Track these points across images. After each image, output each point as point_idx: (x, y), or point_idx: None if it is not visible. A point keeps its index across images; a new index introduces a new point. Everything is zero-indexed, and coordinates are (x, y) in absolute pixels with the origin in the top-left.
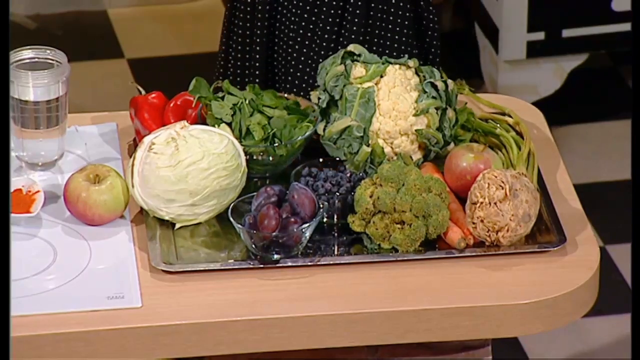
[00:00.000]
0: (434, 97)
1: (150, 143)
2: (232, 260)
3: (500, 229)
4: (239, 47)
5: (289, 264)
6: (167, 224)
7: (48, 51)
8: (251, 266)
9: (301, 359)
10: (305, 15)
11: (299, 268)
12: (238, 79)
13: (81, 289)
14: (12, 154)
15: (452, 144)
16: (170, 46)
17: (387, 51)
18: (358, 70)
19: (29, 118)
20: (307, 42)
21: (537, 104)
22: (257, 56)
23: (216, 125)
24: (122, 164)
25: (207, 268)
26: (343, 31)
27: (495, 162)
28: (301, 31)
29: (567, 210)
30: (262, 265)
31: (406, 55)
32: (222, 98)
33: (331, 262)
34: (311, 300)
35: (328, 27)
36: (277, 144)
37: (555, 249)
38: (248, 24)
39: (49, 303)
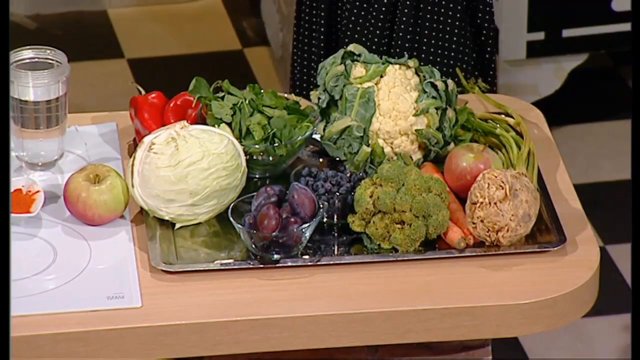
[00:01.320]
0: (434, 97)
1: (150, 143)
2: (232, 260)
3: (500, 229)
4: (300, 52)
5: (289, 264)
6: (167, 224)
7: (48, 51)
8: (251, 266)
9: (301, 359)
10: (362, 12)
11: (299, 268)
12: (305, 77)
13: (81, 289)
14: (12, 154)
15: (452, 144)
16: (170, 46)
17: (439, 44)
18: (358, 70)
19: (29, 118)
20: (362, 39)
21: (537, 104)
22: (320, 52)
23: (216, 125)
24: (122, 164)
25: (207, 268)
26: (393, 34)
27: (495, 162)
28: (355, 27)
29: (567, 210)
30: (262, 265)
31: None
32: (222, 98)
33: (331, 262)
34: (311, 300)
35: (381, 21)
36: (277, 144)
37: (555, 249)
38: (308, 25)
39: (49, 303)
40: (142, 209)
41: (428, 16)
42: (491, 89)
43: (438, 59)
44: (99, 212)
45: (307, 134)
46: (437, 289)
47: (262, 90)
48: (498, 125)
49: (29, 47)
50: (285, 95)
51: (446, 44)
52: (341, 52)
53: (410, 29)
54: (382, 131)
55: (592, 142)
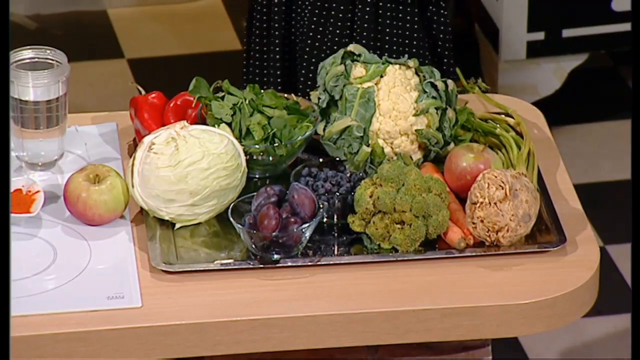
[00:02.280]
0: (434, 97)
1: (150, 143)
2: (232, 260)
3: (500, 229)
4: (257, 47)
5: (289, 264)
6: (167, 224)
7: (48, 51)
8: (251, 266)
9: (301, 359)
10: (316, 15)
11: (299, 268)
12: (257, 78)
13: (81, 289)
14: (12, 154)
15: (452, 144)
16: (170, 46)
17: (399, 48)
18: (358, 70)
19: (29, 118)
20: (317, 44)
21: (537, 104)
22: (276, 56)
23: (216, 125)
24: (122, 164)
25: (207, 268)
26: (354, 34)
27: (495, 162)
28: (311, 33)
29: (567, 210)
30: (262, 265)
31: (406, 55)
32: (222, 98)
33: (331, 262)
34: (311, 300)
35: (339, 28)
36: (277, 144)
37: (555, 249)
38: (265, 25)
39: (49, 303)
40: (142, 209)
41: (388, 14)
42: (486, 87)
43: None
44: (99, 212)
45: (307, 134)
46: (437, 289)
47: (262, 90)
48: (498, 125)
49: (29, 47)
50: (285, 95)
51: (406, 41)
52: (341, 52)
53: (371, 33)
54: (382, 131)
55: (592, 142)
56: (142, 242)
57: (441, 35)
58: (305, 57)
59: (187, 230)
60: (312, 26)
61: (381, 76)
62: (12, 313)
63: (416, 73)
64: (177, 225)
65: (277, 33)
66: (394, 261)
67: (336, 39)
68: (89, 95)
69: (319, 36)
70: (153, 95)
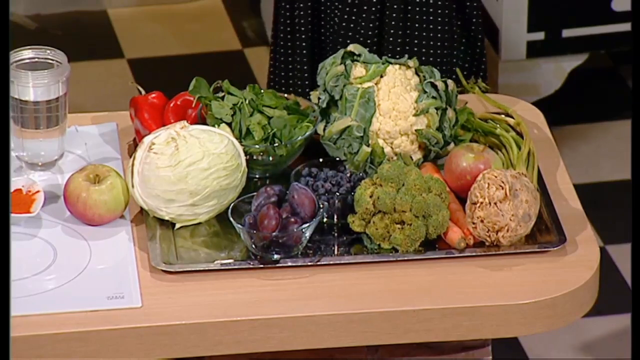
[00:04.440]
0: (434, 97)
1: (150, 143)
2: (232, 260)
3: (500, 229)
4: (282, 50)
5: (289, 264)
6: (167, 224)
7: (48, 51)
8: (251, 266)
9: (301, 359)
10: (346, 15)
11: (299, 268)
12: (283, 81)
13: (81, 289)
14: (12, 154)
15: (452, 144)
16: (170, 46)
17: (430, 43)
18: (358, 70)
19: (29, 118)
20: (348, 42)
21: (537, 104)
22: (303, 59)
23: (216, 125)
24: (122, 164)
25: (207, 268)
26: (383, 32)
27: (495, 162)
28: (342, 31)
29: (567, 210)
30: (262, 265)
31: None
32: (222, 98)
33: (331, 262)
34: (311, 300)
35: (368, 27)
36: (277, 144)
37: (555, 249)
38: (289, 28)
39: (49, 303)
40: (142, 209)
41: (417, 17)
42: (486, 87)
43: (431, 59)
44: (99, 212)
45: (307, 134)
46: (437, 289)
47: (262, 90)
48: (498, 125)
49: (29, 47)
50: (285, 95)
51: (438, 43)
52: (341, 52)
53: (399, 31)
54: (382, 131)
55: (592, 142)
56: (142, 242)
57: (474, 20)
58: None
59: (187, 230)
60: (343, 24)
61: (381, 76)
62: (12, 313)
63: (416, 73)
64: (177, 225)
65: (303, 36)
66: (394, 261)
67: (367, 35)
68: (89, 95)
69: (350, 33)
70: (153, 95)
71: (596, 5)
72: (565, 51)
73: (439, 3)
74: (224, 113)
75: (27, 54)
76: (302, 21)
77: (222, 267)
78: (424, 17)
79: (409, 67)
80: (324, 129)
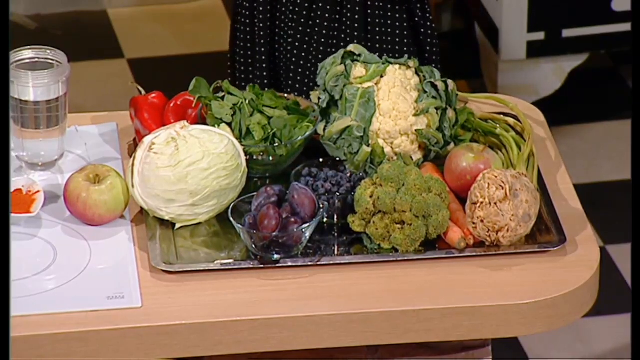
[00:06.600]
0: (434, 97)
1: (150, 143)
2: (232, 260)
3: (500, 229)
4: (242, 52)
5: (289, 264)
6: (167, 224)
7: (48, 51)
8: (251, 266)
9: (301, 359)
10: (303, 18)
11: (299, 268)
12: (243, 83)
13: (81, 289)
14: (12, 154)
15: (452, 144)
16: (170, 46)
17: (386, 48)
18: (358, 70)
19: (29, 118)
20: (305, 46)
21: (537, 104)
22: (262, 57)
23: (216, 125)
24: (122, 164)
25: (207, 268)
26: (342, 35)
27: (495, 162)
28: (299, 35)
29: (567, 210)
30: (262, 265)
31: (405, 55)
32: (222, 98)
33: (331, 262)
34: (311, 300)
35: (325, 29)
36: (277, 144)
37: (555, 249)
38: (248, 28)
39: (49, 303)
40: (142, 209)
41: (377, 31)
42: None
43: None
44: (99, 212)
45: (307, 134)
46: (437, 289)
47: (262, 91)
48: (498, 125)
49: (29, 47)
50: (285, 95)
51: (396, 55)
52: (341, 52)
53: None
54: (382, 131)
55: (592, 142)
56: (142, 242)
57: (428, 40)
58: (293, 59)
59: (187, 230)
60: (300, 28)
61: (381, 76)
62: (12, 313)
63: (416, 73)
64: (177, 225)
65: (262, 35)
66: (394, 261)
67: (322, 40)
68: (89, 95)
69: (306, 38)
70: (153, 95)
71: (596, 5)
72: (565, 51)
73: (397, 24)
74: (224, 113)
75: (27, 54)
76: (261, 30)
77: (222, 267)
78: (383, 15)
79: (409, 67)
80: (324, 129)
